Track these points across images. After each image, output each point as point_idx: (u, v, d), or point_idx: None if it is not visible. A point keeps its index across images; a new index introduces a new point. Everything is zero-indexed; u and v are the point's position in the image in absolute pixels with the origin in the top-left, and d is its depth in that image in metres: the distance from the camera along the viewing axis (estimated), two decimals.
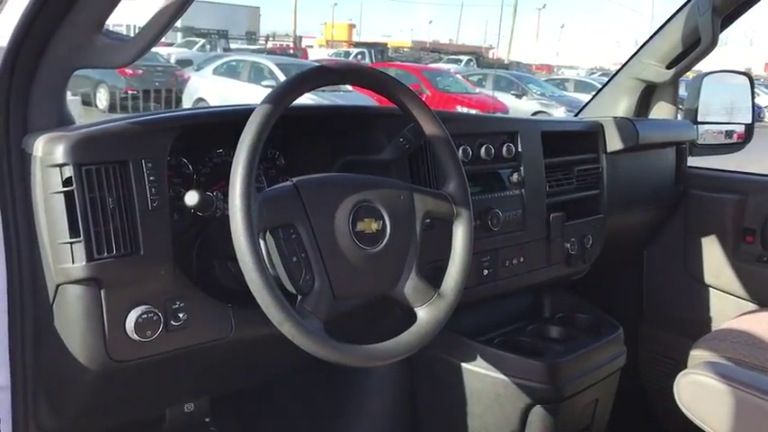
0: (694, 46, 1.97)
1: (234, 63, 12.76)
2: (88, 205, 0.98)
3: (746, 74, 2.36)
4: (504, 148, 1.53)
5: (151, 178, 1.04)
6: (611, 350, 1.63)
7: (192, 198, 1.04)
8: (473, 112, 11.76)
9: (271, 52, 23.09)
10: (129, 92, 12.34)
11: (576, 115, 2.30)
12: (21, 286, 1.04)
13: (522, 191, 1.58)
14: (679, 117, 2.22)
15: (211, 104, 9.81)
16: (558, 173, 1.69)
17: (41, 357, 1.08)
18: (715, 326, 2.17)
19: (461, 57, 29.52)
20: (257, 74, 11.87)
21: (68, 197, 0.98)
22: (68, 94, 1.12)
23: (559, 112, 14.77)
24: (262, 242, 0.98)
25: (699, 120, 2.21)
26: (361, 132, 1.36)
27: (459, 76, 16.54)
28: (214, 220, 1.12)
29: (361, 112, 1.41)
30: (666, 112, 2.17)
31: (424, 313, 1.09)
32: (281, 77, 11.09)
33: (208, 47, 23.29)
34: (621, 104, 2.14)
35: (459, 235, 1.15)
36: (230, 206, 0.94)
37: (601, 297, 1.92)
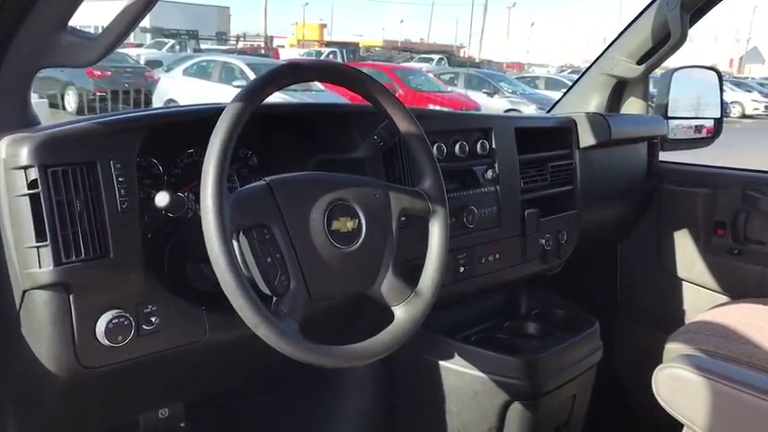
0: (664, 41, 1.99)
1: (204, 63, 12.65)
2: (55, 208, 0.96)
3: (715, 69, 2.39)
4: (479, 145, 1.53)
5: (120, 179, 1.01)
6: (588, 345, 1.64)
7: (162, 199, 1.01)
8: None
9: (242, 52, 22.92)
10: (98, 93, 12.14)
11: (548, 112, 2.31)
12: None
13: (497, 187, 1.57)
14: (650, 113, 2.24)
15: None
16: (531, 169, 1.69)
17: (9, 365, 1.05)
18: (689, 319, 2.20)
19: (433, 56, 29.58)
20: (228, 74, 11.78)
21: (34, 200, 0.95)
22: (35, 96, 1.09)
23: (531, 110, 14.88)
24: (235, 243, 0.96)
25: (669, 115, 2.23)
26: (335, 131, 1.34)
27: (431, 74, 16.58)
28: (186, 222, 1.09)
29: (335, 110, 1.40)
30: (637, 108, 2.19)
31: (401, 312, 1.08)
32: (253, 77, 11.00)
33: (177, 47, 23.06)
34: (593, 100, 2.15)
35: (436, 233, 1.14)
36: (202, 206, 0.92)
37: (575, 292, 1.93)
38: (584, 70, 2.28)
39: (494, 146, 1.56)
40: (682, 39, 1.95)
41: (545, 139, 1.76)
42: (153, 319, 1.05)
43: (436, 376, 1.52)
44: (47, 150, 0.96)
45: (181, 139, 1.24)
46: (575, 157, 1.82)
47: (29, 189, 0.95)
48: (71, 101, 12.73)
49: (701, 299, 2.16)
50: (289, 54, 27.23)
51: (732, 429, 1.14)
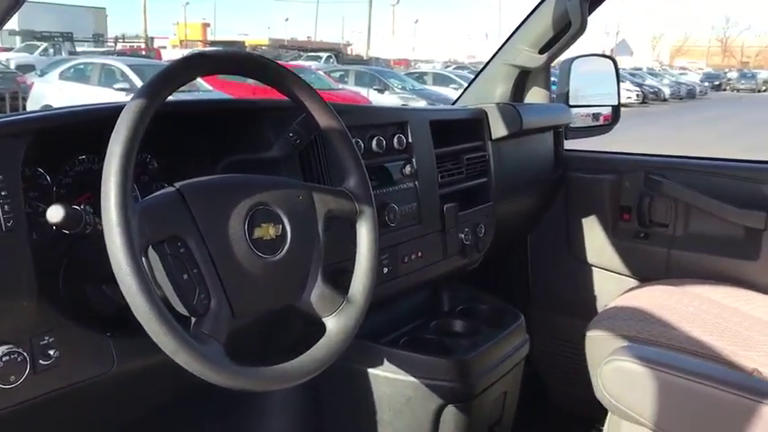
0: (565, 30, 2.00)
1: (82, 66, 11.97)
2: None
3: (611, 57, 2.45)
4: (395, 140, 1.46)
5: (2, 193, 0.87)
6: (516, 339, 1.61)
7: (55, 213, 0.87)
8: None
9: (121, 54, 21.89)
10: None
11: (453, 103, 2.28)
12: None
13: (416, 183, 1.52)
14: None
15: None
16: (448, 162, 1.64)
17: None
18: (601, 304, 2.23)
19: (321, 54, 29.43)
20: (108, 76, 11.21)
21: None
22: None
23: (422, 106, 15.07)
24: (144, 260, 0.85)
25: (570, 103, 2.26)
26: (245, 129, 1.24)
27: (321, 72, 16.47)
28: (83, 238, 0.96)
29: (244, 106, 1.29)
30: (540, 97, 2.20)
31: (333, 323, 1.00)
32: (136, 79, 10.52)
33: (51, 50, 21.77)
34: (497, 91, 2.14)
35: (364, 234, 1.07)
36: (104, 220, 0.80)
37: (489, 285, 1.91)
38: (486, 62, 2.27)
39: (410, 140, 1.50)
40: (582, 27, 1.97)
41: (458, 132, 1.72)
42: (51, 353, 0.91)
43: (365, 385, 1.44)
44: None
45: (70, 145, 1.09)
46: (488, 148, 1.79)
47: None
48: None
49: (611, 283, 2.20)
50: (171, 55, 26.27)
51: (680, 418, 1.14)
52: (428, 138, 1.57)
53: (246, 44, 35.11)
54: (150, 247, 0.85)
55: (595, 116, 2.42)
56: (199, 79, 8.42)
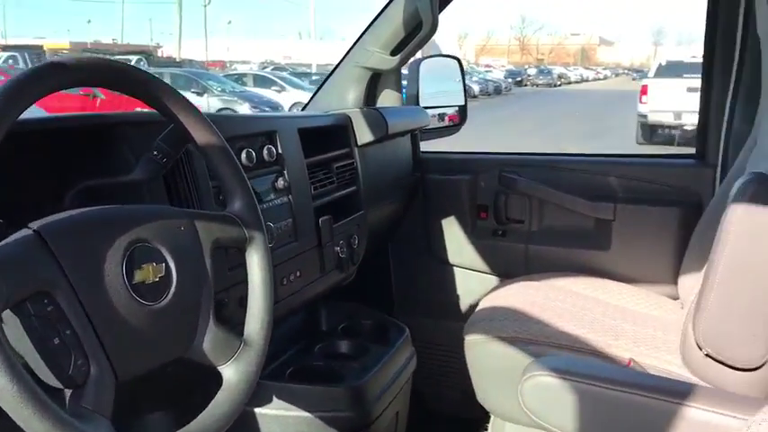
0: (416, 31, 1.96)
1: None
2: None
3: (456, 57, 2.46)
4: (265, 151, 1.34)
5: None
6: (404, 355, 1.55)
7: None
8: None
9: None
10: None
11: (302, 109, 2.17)
12: None
13: (290, 197, 1.40)
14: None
15: None
16: (319, 172, 1.54)
17: None
18: (465, 304, 2.24)
19: (130, 56, 27.84)
20: None
21: None
22: None
23: (245, 109, 14.71)
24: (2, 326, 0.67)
25: (421, 105, 2.24)
26: (98, 149, 1.05)
27: None
28: None
29: (95, 121, 1.10)
30: (392, 100, 2.15)
31: (232, 372, 0.87)
32: None
33: None
34: (350, 95, 2.06)
35: (256, 263, 0.94)
36: None
37: (352, 297, 1.83)
38: (336, 64, 2.18)
39: (281, 151, 1.38)
40: (434, 27, 1.94)
41: (325, 139, 1.62)
42: None
43: (254, 428, 1.30)
44: None
45: None
46: (355, 155, 1.71)
47: None
48: None
49: (474, 282, 2.22)
50: None
51: (602, 427, 1.13)
52: (298, 147, 1.45)
53: (45, 48, 32.33)
54: (8, 309, 0.67)
55: (440, 116, 2.42)
56: None
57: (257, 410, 1.31)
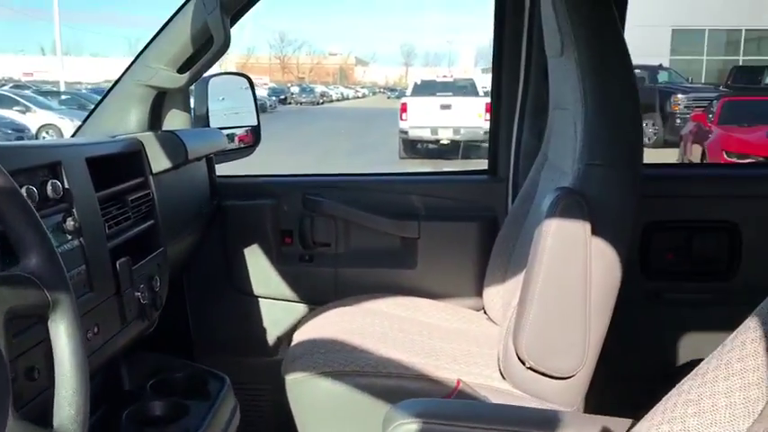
0: (207, 47, 1.80)
1: None
2: None
3: (245, 75, 2.33)
4: (49, 187, 1.10)
5: None
6: (228, 408, 1.38)
7: None
8: None
9: None
10: None
11: (74, 135, 1.90)
12: None
13: (81, 240, 1.17)
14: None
15: None
16: (112, 208, 1.32)
17: None
18: (272, 335, 2.11)
19: None
20: None
21: None
22: None
23: None
24: None
25: (211, 126, 2.08)
26: None
27: None
28: None
29: None
30: (180, 121, 1.96)
31: None
32: None
33: None
34: (132, 117, 1.83)
35: (64, 333, 0.75)
36: None
37: (148, 340, 1.63)
38: (113, 83, 1.94)
39: (67, 185, 1.16)
40: (226, 42, 1.79)
41: (116, 169, 1.40)
42: None
43: None
44: None
45: None
46: (150, 184, 1.51)
47: None
48: None
49: (281, 312, 2.10)
50: None
51: None
52: (87, 180, 1.23)
53: None
54: None
55: (230, 137, 2.27)
56: None
57: None
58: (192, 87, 2.14)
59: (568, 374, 1.45)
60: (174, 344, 2.05)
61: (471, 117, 12.68)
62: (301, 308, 2.07)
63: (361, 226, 2.05)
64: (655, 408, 0.83)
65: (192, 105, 2.07)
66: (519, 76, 1.97)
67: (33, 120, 14.90)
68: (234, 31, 1.82)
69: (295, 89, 42.94)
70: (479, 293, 2.00)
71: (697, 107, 11.90)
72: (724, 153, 8.32)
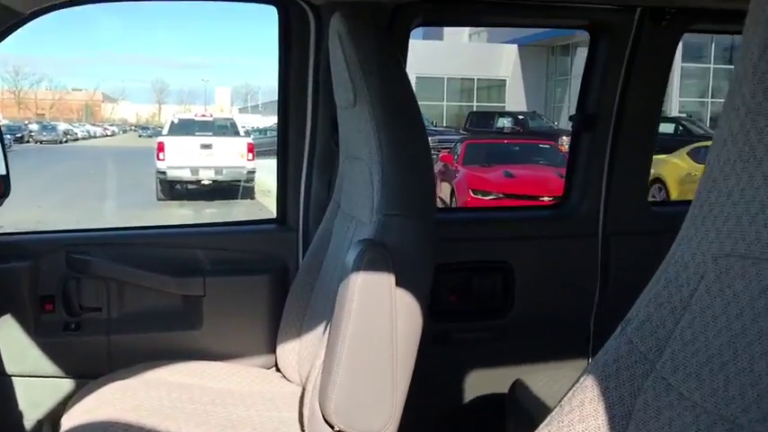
0: None
1: None
2: None
3: None
4: None
5: None
6: None
7: None
8: None
9: None
10: None
11: None
12: None
13: None
14: None
15: None
16: None
17: None
18: (30, 419, 1.81)
19: None
20: None
21: None
22: None
23: None
24: None
25: None
26: None
27: None
28: None
29: None
30: None
31: None
32: None
33: None
34: None
35: None
36: None
37: None
38: None
39: None
40: None
41: None
42: None
43: None
44: None
45: None
46: None
47: None
48: None
49: (41, 392, 1.81)
50: None
51: None
52: None
53: None
54: None
55: None
56: None
57: None
58: None
59: (379, 431, 1.41)
60: None
61: (233, 157, 12.52)
62: (67, 384, 1.80)
63: (136, 286, 1.85)
64: None
65: None
66: (305, 125, 1.93)
67: None
68: None
69: (34, 126, 39.09)
70: (272, 350, 1.89)
71: (443, 148, 12.96)
72: (470, 191, 9.08)
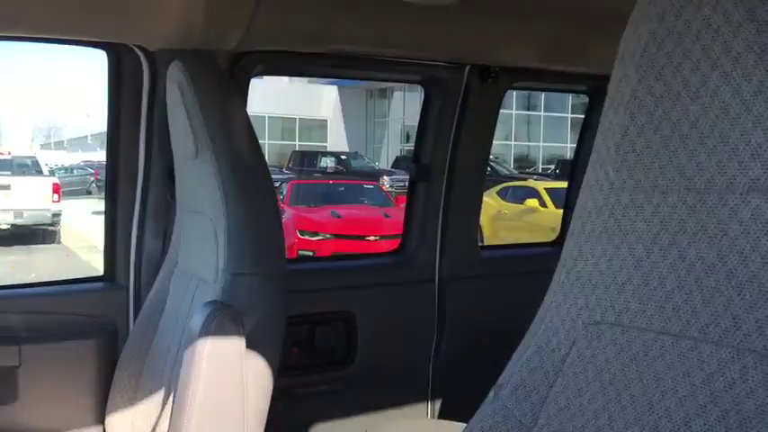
0: None
1: None
2: None
3: None
4: None
5: None
6: None
7: None
8: None
9: None
10: None
11: None
12: None
13: None
14: None
15: None
16: None
17: None
18: None
19: None
20: None
21: None
22: None
23: None
24: None
25: None
26: None
27: None
28: None
29: None
30: None
31: None
32: None
33: None
34: None
35: None
36: None
37: None
38: None
39: None
40: None
41: None
42: None
43: None
44: None
45: None
46: None
47: None
48: None
49: None
50: None
51: None
52: None
53: None
54: None
55: None
56: None
57: None
58: None
59: None
60: None
61: (36, 199, 11.49)
62: None
63: None
64: None
65: None
66: (137, 175, 1.80)
67: None
68: None
69: None
70: (100, 420, 1.72)
71: None
72: (297, 232, 9.04)
